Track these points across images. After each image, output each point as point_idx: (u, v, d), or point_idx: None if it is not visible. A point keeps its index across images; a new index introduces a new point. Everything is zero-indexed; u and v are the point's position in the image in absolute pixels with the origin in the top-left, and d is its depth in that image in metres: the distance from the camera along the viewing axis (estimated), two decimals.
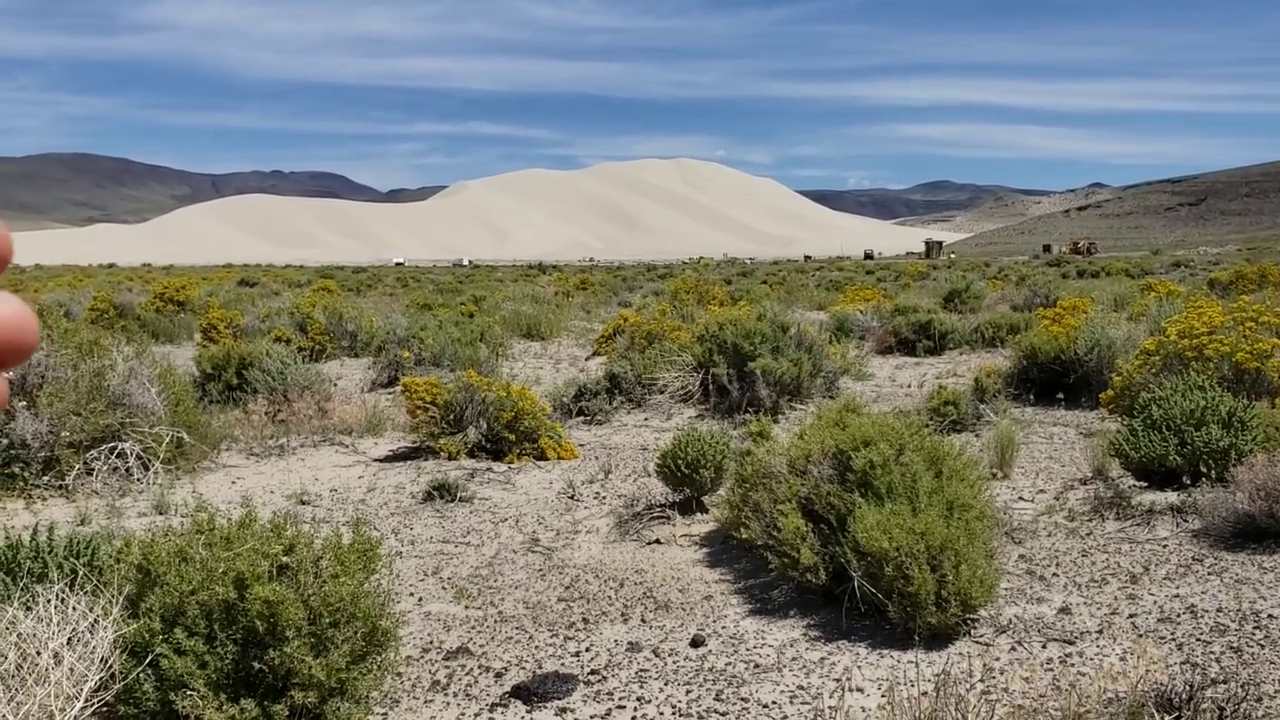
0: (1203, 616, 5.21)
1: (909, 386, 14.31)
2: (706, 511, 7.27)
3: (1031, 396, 12.27)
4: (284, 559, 4.13)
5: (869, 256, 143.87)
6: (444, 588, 6.13)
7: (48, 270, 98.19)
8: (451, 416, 9.97)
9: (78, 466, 8.46)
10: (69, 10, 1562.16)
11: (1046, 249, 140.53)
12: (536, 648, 5.18)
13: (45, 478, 8.40)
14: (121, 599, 4.08)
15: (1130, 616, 5.28)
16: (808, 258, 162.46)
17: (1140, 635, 5.02)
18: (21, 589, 4.12)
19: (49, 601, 3.98)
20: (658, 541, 6.85)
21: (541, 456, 9.93)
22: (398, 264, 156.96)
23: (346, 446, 10.34)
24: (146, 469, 8.68)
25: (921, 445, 5.60)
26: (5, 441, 8.35)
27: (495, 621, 5.57)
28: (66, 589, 4.09)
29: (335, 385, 13.37)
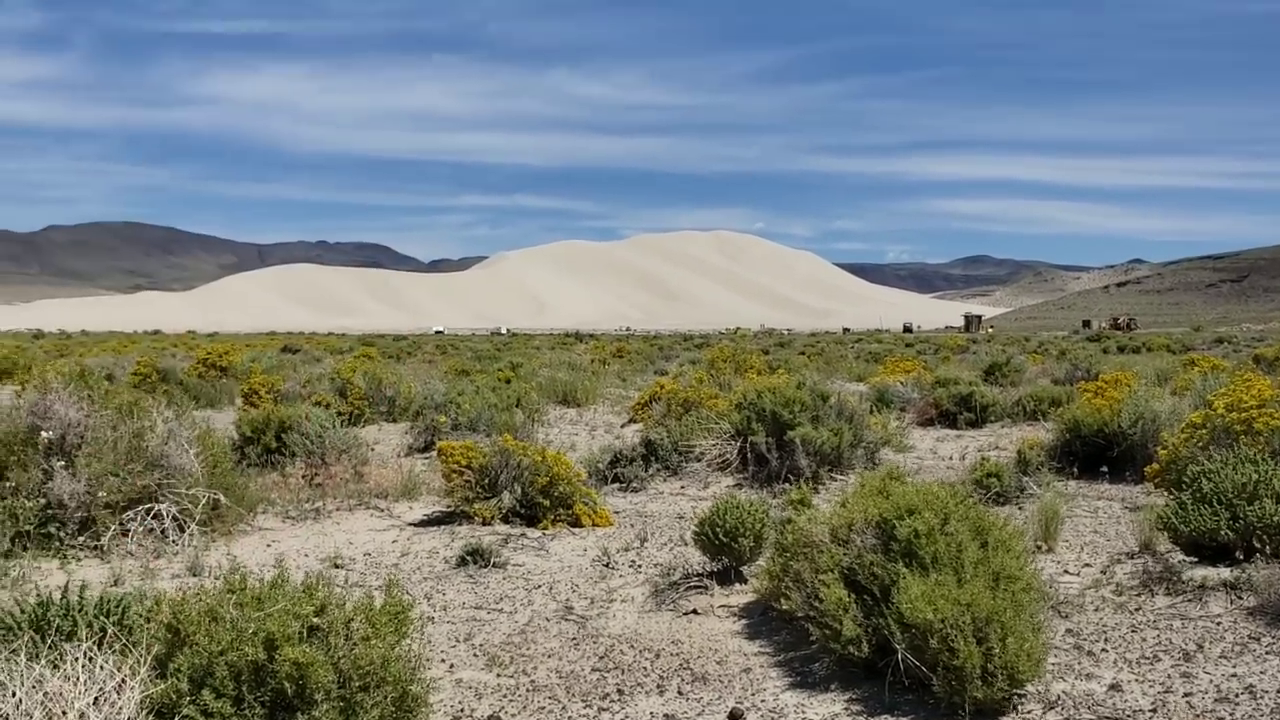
0: (1262, 697, 5.00)
1: (951, 459, 14.11)
2: (745, 582, 7.12)
3: (1075, 470, 12.04)
4: (315, 620, 4.06)
5: (908, 330, 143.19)
6: (476, 655, 6.02)
7: (93, 336, 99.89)
8: (486, 481, 9.91)
9: (114, 527, 8.46)
10: (129, 83, 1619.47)
11: (1086, 324, 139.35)
12: (570, 718, 5.05)
13: (81, 538, 8.40)
14: (150, 659, 4.02)
15: (1186, 695, 5.08)
16: (846, 330, 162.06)
17: (1197, 715, 4.81)
18: (49, 647, 4.07)
19: (76, 660, 3.92)
20: (695, 611, 6.71)
21: (576, 523, 9.83)
22: (437, 332, 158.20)
23: (382, 510, 10.29)
24: (182, 531, 8.66)
25: (966, 515, 5.46)
26: (43, 501, 8.37)
27: (528, 690, 5.45)
28: (95, 648, 4.03)
29: (373, 450, 13.36)
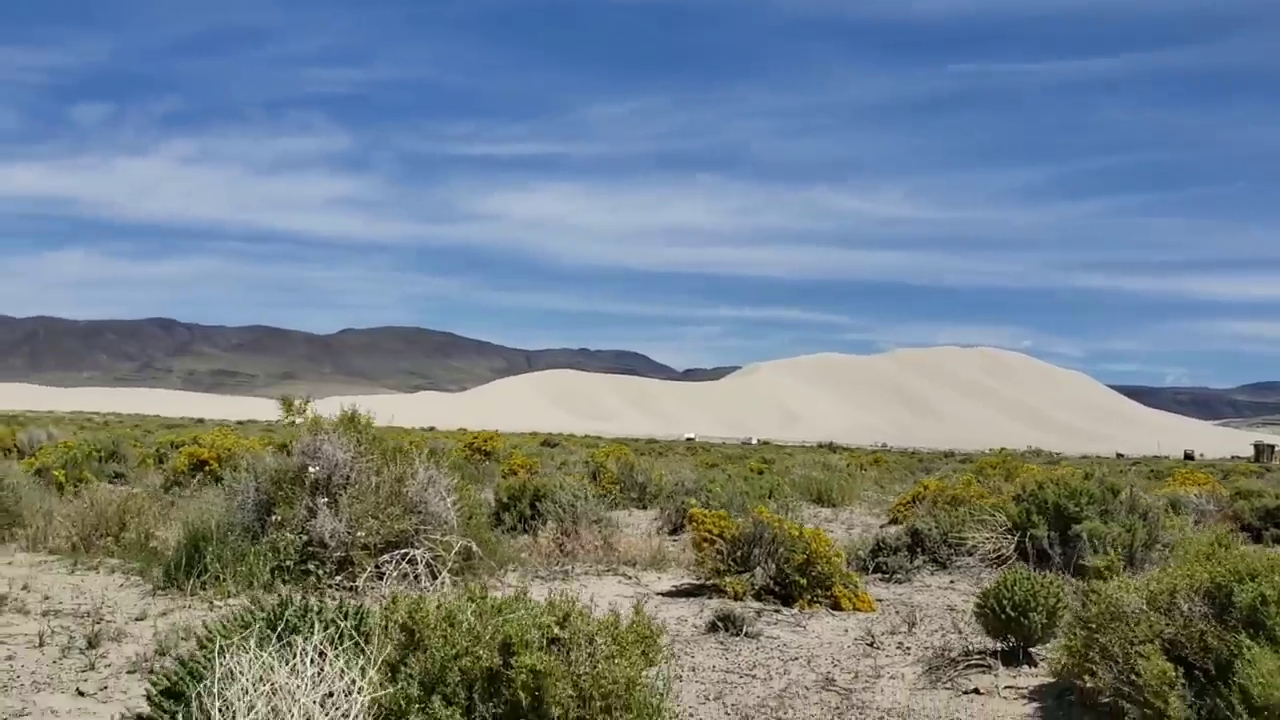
0: None
1: None
2: (1035, 665, 6.23)
3: None
4: (556, 631, 3.66)
5: (1189, 457, 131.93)
6: (727, 713, 5.45)
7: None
8: (738, 553, 9.36)
9: (369, 569, 8.43)
10: (423, 201, 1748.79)
11: None
12: None
13: (338, 577, 8.42)
14: (381, 661, 3.71)
15: None
16: (1120, 455, 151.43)
17: None
18: (279, 639, 3.84)
19: (306, 654, 3.66)
20: (977, 691, 5.89)
21: (835, 605, 9.10)
22: (688, 439, 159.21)
23: (630, 578, 9.92)
24: (434, 578, 8.55)
25: None
26: (305, 538, 8.47)
27: None
28: (326, 645, 3.77)
29: (622, 531, 13.09)
